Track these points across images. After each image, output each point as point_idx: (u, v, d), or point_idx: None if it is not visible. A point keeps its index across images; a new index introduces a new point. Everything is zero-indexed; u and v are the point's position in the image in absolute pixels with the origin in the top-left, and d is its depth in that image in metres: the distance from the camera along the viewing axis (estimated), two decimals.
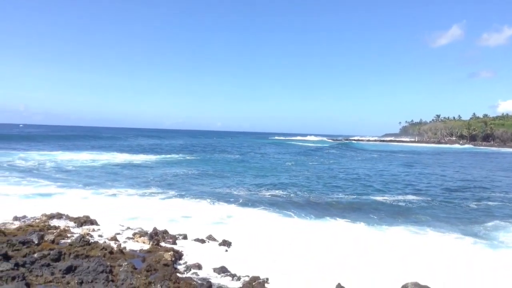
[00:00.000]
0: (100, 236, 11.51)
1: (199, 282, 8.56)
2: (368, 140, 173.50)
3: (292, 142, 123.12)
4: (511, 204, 20.74)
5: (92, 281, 7.38)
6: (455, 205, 20.23)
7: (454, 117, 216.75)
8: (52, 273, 7.78)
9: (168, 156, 48.71)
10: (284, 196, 21.73)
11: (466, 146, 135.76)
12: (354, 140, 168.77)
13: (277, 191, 23.09)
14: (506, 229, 15.30)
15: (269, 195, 21.88)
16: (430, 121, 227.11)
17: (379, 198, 21.78)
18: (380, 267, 10.50)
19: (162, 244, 11.10)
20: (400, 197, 22.20)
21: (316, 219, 16.49)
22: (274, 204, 19.11)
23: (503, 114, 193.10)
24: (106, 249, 9.46)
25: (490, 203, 20.96)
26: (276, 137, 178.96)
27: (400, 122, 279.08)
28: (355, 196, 22.19)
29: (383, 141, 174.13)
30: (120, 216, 14.93)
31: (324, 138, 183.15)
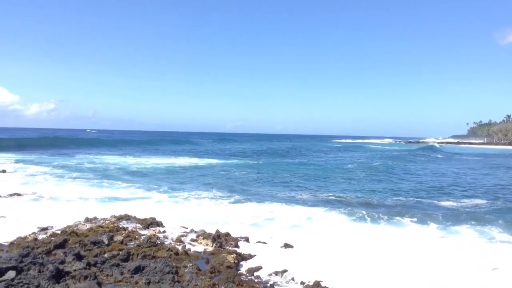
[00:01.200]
0: (166, 237, 11.82)
1: (261, 285, 8.56)
2: (440, 142, 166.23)
3: (367, 145, 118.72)
4: None
5: (159, 282, 7.57)
6: None
7: None
8: (122, 273, 8.07)
9: (232, 159, 49.31)
10: (372, 200, 21.32)
11: None
12: (430, 142, 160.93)
13: (362, 196, 22.70)
14: None
15: (339, 198, 21.56)
16: (500, 122, 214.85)
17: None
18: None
19: (225, 246, 11.20)
20: None
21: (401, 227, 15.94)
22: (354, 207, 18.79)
23: None
24: (171, 250, 9.69)
25: None
26: (343, 140, 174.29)
27: (467, 123, 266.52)
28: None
29: (449, 143, 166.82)
30: (184, 218, 15.30)
31: (391, 140, 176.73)
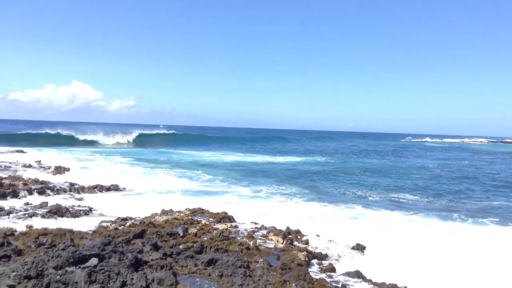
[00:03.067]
0: (237, 232, 12.02)
1: (333, 284, 8.46)
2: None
3: (472, 146, 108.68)
4: None
5: (231, 275, 7.71)
6: None
7: None
8: (195, 265, 8.32)
9: (307, 157, 49.02)
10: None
11: None
12: None
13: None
14: None
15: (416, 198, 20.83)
16: None
17: None
18: None
19: (295, 243, 11.19)
20: None
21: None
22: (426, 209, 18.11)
23: None
24: (243, 245, 9.85)
25: None
26: (428, 139, 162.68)
27: None
28: None
29: None
30: (254, 213, 15.49)
31: (485, 140, 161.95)
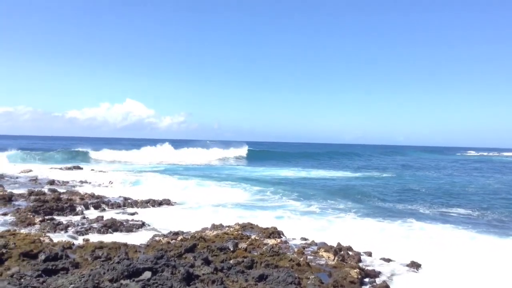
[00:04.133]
0: (287, 248, 11.92)
1: None
2: None
3: None
4: None
5: None
6: None
7: None
8: (246, 280, 8.30)
9: (365, 173, 48.10)
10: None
11: None
12: None
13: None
14: None
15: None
16: None
17: None
18: None
19: (347, 260, 10.95)
20: None
21: None
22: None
23: None
24: (294, 261, 9.74)
25: None
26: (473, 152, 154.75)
27: None
28: None
29: None
30: (304, 229, 15.31)
31: None
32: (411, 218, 18.29)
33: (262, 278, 8.30)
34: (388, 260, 11.67)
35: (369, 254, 12.19)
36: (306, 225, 16.33)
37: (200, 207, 19.77)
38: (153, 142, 76.55)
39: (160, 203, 20.11)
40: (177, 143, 79.19)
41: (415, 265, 11.18)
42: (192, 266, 8.48)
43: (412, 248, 13.16)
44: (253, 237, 12.61)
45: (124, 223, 14.80)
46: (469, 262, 11.68)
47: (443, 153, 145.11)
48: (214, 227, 14.14)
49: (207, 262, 8.87)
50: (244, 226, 14.24)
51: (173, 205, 20.28)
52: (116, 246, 10.09)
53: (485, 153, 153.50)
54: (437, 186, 34.46)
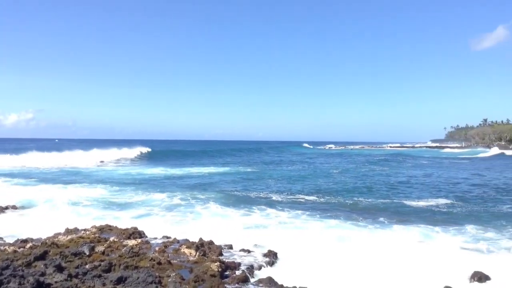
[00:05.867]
0: (148, 248, 11.69)
1: None
2: (413, 147, 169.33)
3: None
4: None
5: None
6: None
7: (502, 121, 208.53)
8: (104, 284, 7.95)
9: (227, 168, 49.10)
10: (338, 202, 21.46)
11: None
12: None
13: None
14: None
15: (314, 201, 21.65)
16: (477, 126, 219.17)
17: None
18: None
19: (209, 254, 11.14)
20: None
21: (373, 227, 16.11)
22: (322, 211, 18.88)
23: None
24: (154, 260, 9.61)
25: None
26: (332, 146, 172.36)
27: (445, 128, 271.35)
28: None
29: (429, 147, 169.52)
30: (165, 227, 15.23)
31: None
32: (268, 207, 19.44)
33: (120, 280, 8.04)
34: (248, 251, 12.16)
35: (230, 246, 12.56)
36: (169, 222, 16.29)
37: (54, 210, 18.33)
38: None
39: (4, 208, 18.15)
40: (23, 142, 72.27)
41: (271, 254, 11.81)
42: (43, 274, 7.87)
43: (270, 237, 13.94)
44: (111, 239, 12.11)
45: None
46: (321, 249, 12.74)
47: (306, 148, 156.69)
48: (68, 231, 13.23)
49: (59, 269, 8.29)
50: (101, 229, 13.58)
51: (19, 210, 18.44)
52: None
53: (343, 147, 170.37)
54: (288, 175, 37.30)
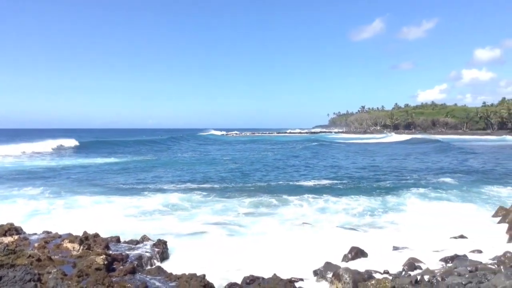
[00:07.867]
0: (27, 244, 10.99)
1: (134, 284, 8.46)
2: (300, 133, 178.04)
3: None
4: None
5: None
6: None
7: (378, 108, 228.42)
8: None
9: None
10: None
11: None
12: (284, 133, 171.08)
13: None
14: None
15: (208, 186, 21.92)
16: (356, 112, 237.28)
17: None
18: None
19: (94, 248, 10.80)
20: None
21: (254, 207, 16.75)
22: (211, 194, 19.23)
23: (422, 103, 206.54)
24: (33, 257, 9.07)
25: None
26: (213, 131, 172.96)
27: (328, 114, 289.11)
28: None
29: (313, 132, 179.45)
30: (48, 221, 14.42)
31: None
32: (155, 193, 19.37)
33: None
34: (136, 242, 11.99)
35: (118, 239, 12.25)
36: (46, 217, 15.46)
37: None
38: None
39: None
40: None
41: (161, 243, 11.79)
42: None
43: (159, 225, 13.94)
44: None
45: None
46: (211, 236, 13.04)
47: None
48: None
49: None
50: None
51: None
52: None
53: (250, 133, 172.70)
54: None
